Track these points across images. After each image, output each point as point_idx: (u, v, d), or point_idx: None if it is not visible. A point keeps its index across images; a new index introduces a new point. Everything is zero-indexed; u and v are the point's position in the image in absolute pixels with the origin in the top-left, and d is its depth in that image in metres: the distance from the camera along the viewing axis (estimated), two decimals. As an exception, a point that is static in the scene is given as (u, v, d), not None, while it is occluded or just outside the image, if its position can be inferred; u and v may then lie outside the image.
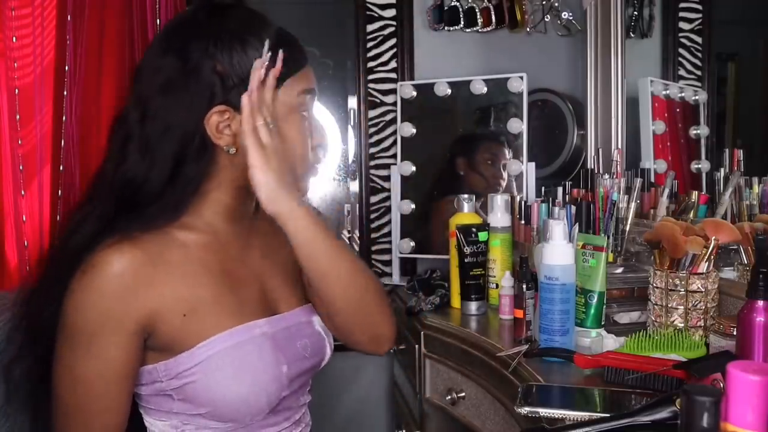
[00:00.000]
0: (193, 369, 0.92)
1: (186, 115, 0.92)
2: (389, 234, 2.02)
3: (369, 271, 1.05)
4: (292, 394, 1.02)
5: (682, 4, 2.01)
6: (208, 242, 0.97)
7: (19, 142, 1.67)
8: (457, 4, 2.02)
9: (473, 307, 1.52)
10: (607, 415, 0.83)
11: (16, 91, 1.66)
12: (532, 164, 1.84)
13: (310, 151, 1.00)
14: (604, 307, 1.23)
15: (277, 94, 0.94)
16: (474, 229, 1.51)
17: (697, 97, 1.93)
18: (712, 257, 1.17)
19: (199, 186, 0.95)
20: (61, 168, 1.67)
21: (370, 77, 2.03)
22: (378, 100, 2.04)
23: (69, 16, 1.66)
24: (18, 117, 1.66)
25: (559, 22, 2.08)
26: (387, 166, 2.04)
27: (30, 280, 1.02)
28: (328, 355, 1.09)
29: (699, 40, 1.99)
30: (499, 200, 1.55)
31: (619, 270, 1.43)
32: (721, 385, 0.87)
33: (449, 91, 1.91)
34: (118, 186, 0.93)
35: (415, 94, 1.92)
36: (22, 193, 1.67)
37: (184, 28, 0.97)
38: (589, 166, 1.88)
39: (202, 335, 0.93)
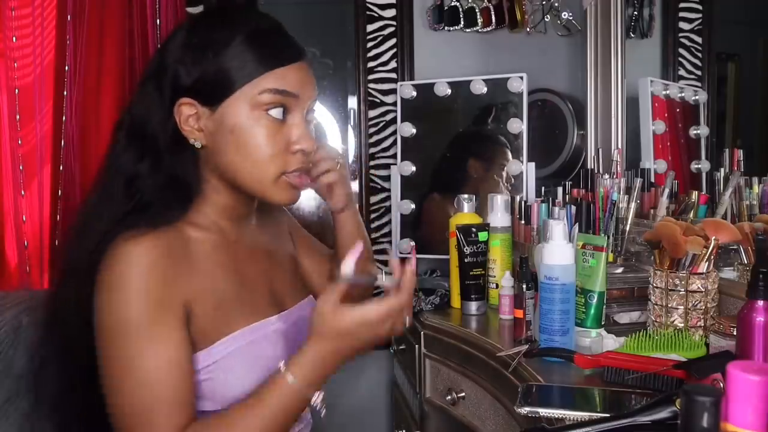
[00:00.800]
0: (211, 367, 0.93)
1: (156, 106, 0.95)
2: (389, 234, 2.02)
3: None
4: None
5: (682, 4, 2.01)
6: (218, 241, 0.99)
7: (19, 142, 1.67)
8: (457, 4, 2.02)
9: (473, 307, 1.52)
10: (607, 415, 0.83)
11: (16, 91, 1.66)
12: (532, 164, 1.84)
13: (282, 154, 0.95)
14: (604, 307, 1.23)
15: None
16: (474, 229, 1.51)
17: (697, 97, 1.93)
18: (712, 257, 1.17)
19: (189, 183, 0.97)
20: (61, 168, 1.67)
21: (370, 77, 2.03)
22: (378, 100, 2.04)
23: (69, 16, 1.66)
24: (18, 117, 1.66)
25: (559, 22, 2.08)
26: (387, 166, 2.04)
27: (52, 288, 1.04)
28: None
29: (699, 40, 1.99)
30: (499, 200, 1.55)
31: (619, 270, 1.43)
32: (721, 385, 0.87)
33: (449, 91, 1.90)
34: (114, 177, 0.96)
35: (415, 94, 1.92)
36: (22, 193, 1.67)
37: (177, 27, 1.01)
38: (589, 166, 1.88)
39: (223, 331, 0.94)
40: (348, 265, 0.88)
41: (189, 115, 0.94)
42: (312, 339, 0.89)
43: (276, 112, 0.94)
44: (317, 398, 0.93)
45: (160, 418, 0.87)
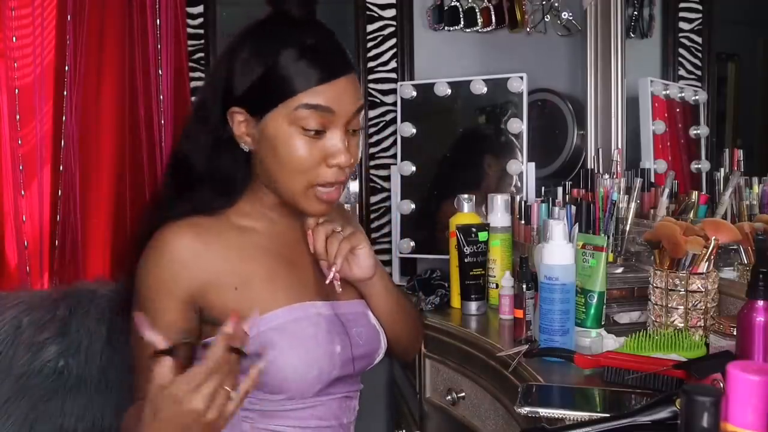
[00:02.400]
0: (252, 340, 0.96)
1: (212, 111, 1.03)
2: (389, 234, 2.02)
3: (414, 307, 1.30)
4: (346, 379, 1.08)
5: (682, 4, 2.01)
6: (265, 228, 1.07)
7: (19, 142, 1.66)
8: (457, 4, 2.02)
9: (473, 307, 1.52)
10: (607, 415, 0.83)
11: (16, 91, 1.66)
12: (532, 164, 1.84)
13: (315, 166, 1.00)
14: (604, 307, 1.23)
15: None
16: (474, 229, 1.51)
17: (697, 97, 1.93)
18: (712, 257, 1.17)
19: (237, 179, 1.04)
20: (61, 168, 1.67)
21: (370, 77, 2.03)
22: (378, 100, 2.04)
23: (69, 16, 1.66)
24: (18, 117, 1.66)
25: (559, 22, 2.08)
26: (387, 166, 2.04)
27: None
28: (382, 350, 1.15)
29: (699, 40, 1.99)
30: (499, 200, 1.55)
31: (619, 270, 1.43)
32: (721, 385, 0.87)
33: (449, 91, 1.90)
34: (174, 174, 1.07)
35: (415, 94, 1.92)
36: (22, 193, 1.67)
37: (238, 34, 1.06)
38: (589, 166, 1.88)
39: (262, 308, 1.00)
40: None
41: (240, 121, 1.02)
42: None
43: (314, 126, 0.98)
44: None
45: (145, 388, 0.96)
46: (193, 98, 1.80)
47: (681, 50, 2.00)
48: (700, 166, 1.90)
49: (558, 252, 1.15)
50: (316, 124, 0.98)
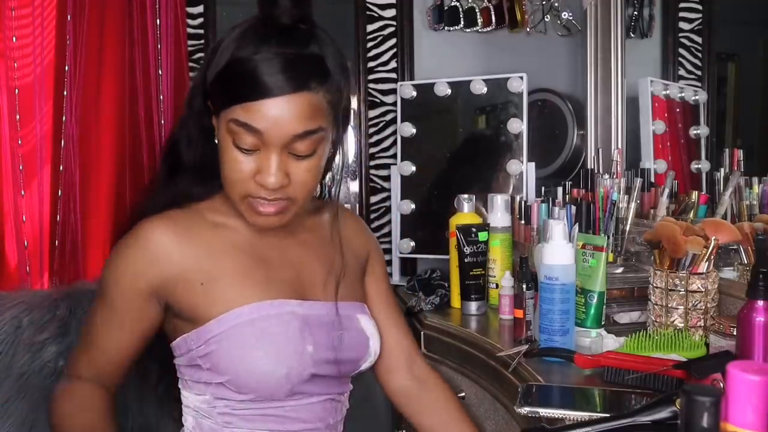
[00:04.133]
0: (219, 336, 0.97)
1: (197, 97, 1.01)
2: (389, 234, 2.02)
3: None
4: (328, 380, 1.04)
5: (682, 4, 2.01)
6: (239, 225, 1.04)
7: (19, 142, 1.66)
8: (457, 4, 2.02)
9: (473, 307, 1.52)
10: (607, 415, 0.83)
11: (16, 91, 1.66)
12: (532, 164, 1.84)
13: (247, 179, 0.95)
14: (604, 307, 1.23)
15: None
16: (474, 229, 1.51)
17: (697, 97, 1.93)
18: (712, 257, 1.17)
19: (212, 171, 1.01)
20: (61, 168, 1.67)
21: (370, 77, 2.03)
22: (378, 100, 2.04)
23: (69, 16, 1.66)
24: (18, 117, 1.66)
25: (559, 22, 2.08)
26: (387, 166, 2.04)
27: None
28: (370, 357, 1.10)
29: (699, 40, 2.00)
30: (499, 200, 1.55)
31: (619, 270, 1.43)
32: (721, 385, 0.87)
33: (449, 91, 1.90)
34: (166, 152, 1.08)
35: (415, 94, 1.92)
36: (22, 193, 1.67)
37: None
38: (589, 166, 1.88)
39: (226, 305, 0.98)
40: None
41: (212, 112, 1.00)
42: None
43: (245, 144, 0.93)
44: None
45: (94, 360, 1.03)
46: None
47: (681, 50, 2.00)
48: (700, 166, 1.90)
49: (558, 252, 1.15)
50: (246, 143, 0.93)
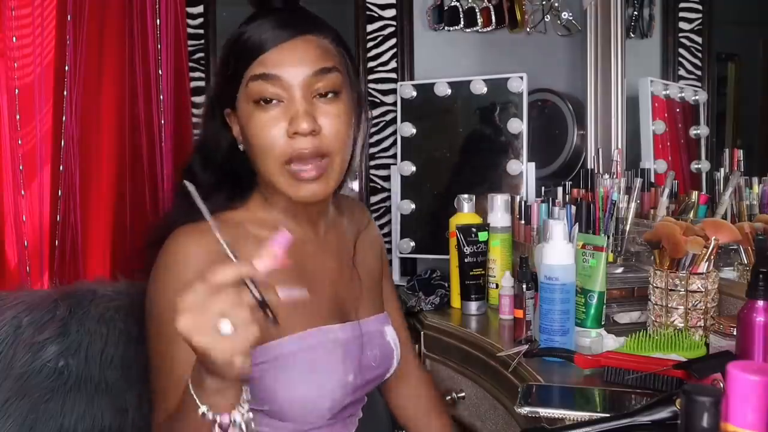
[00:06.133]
0: (263, 366, 0.93)
1: (209, 117, 1.01)
2: (389, 234, 2.02)
3: None
4: (355, 402, 1.04)
5: (682, 4, 2.01)
6: None
7: (19, 142, 1.66)
8: (457, 4, 2.02)
9: (473, 307, 1.52)
10: (607, 415, 0.83)
11: (16, 91, 1.66)
12: (532, 164, 1.84)
13: (281, 139, 0.93)
14: (604, 307, 1.23)
15: None
16: (474, 229, 1.51)
17: (697, 97, 1.93)
18: (712, 257, 1.17)
19: (245, 179, 1.00)
20: (61, 168, 1.67)
21: (370, 77, 2.03)
22: (378, 100, 2.04)
23: (69, 16, 1.66)
24: (18, 117, 1.66)
25: (559, 22, 2.08)
26: (387, 166, 2.04)
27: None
28: (394, 367, 1.11)
29: (699, 40, 1.99)
30: (499, 200, 1.55)
31: (619, 270, 1.43)
32: (721, 385, 0.87)
33: (449, 91, 1.90)
34: (183, 176, 1.00)
35: (415, 94, 1.92)
36: (22, 193, 1.67)
37: None
38: (589, 166, 1.88)
39: (274, 333, 0.92)
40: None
41: (231, 123, 0.99)
42: None
43: (266, 95, 0.93)
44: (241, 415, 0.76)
45: (167, 405, 0.88)
46: (193, 98, 1.81)
47: (681, 50, 2.00)
48: (700, 166, 1.90)
49: (558, 252, 1.15)
50: (268, 93, 0.93)
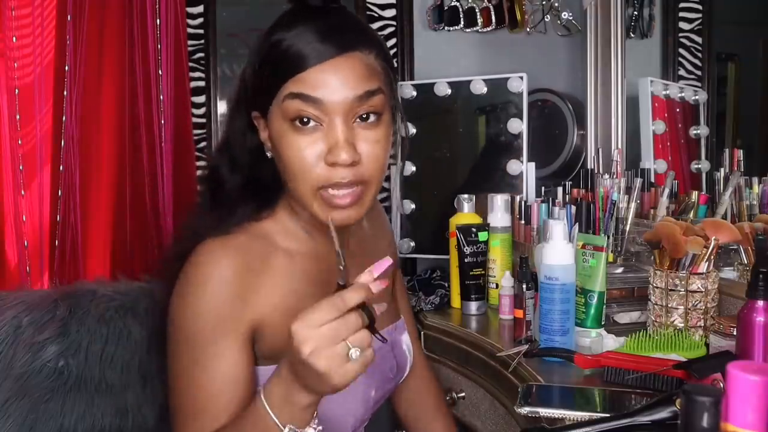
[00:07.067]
0: None
1: (238, 120, 0.96)
2: (389, 234, 2.02)
3: None
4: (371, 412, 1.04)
5: (682, 4, 2.01)
6: (310, 251, 0.96)
7: (19, 142, 1.66)
8: (457, 4, 2.02)
9: (473, 307, 1.52)
10: (607, 415, 0.83)
11: (16, 91, 1.66)
12: (532, 164, 1.84)
13: (316, 166, 0.87)
14: (604, 307, 1.23)
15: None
16: (474, 229, 1.51)
17: (697, 97, 1.93)
18: (712, 257, 1.17)
19: (269, 189, 0.95)
20: (61, 168, 1.67)
21: (370, 77, 2.03)
22: (378, 100, 2.04)
23: (69, 16, 1.66)
24: (18, 117, 1.66)
25: (559, 22, 2.08)
26: (387, 166, 2.04)
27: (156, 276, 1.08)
28: (406, 372, 1.11)
29: (699, 40, 2.00)
30: (499, 200, 1.55)
31: (619, 270, 1.43)
32: (721, 385, 0.87)
33: (449, 91, 1.90)
34: (208, 183, 0.98)
35: (415, 94, 1.92)
36: (22, 193, 1.67)
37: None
38: (589, 166, 1.88)
39: None
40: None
41: (261, 126, 0.94)
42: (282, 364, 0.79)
43: (305, 117, 0.86)
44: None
45: (200, 425, 0.88)
46: (193, 98, 1.81)
47: (681, 50, 2.00)
48: (700, 166, 1.90)
49: (558, 252, 1.15)
50: (307, 115, 0.86)
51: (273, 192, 0.96)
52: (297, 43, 0.87)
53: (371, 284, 0.73)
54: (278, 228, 0.95)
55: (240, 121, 0.95)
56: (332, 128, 0.86)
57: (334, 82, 0.86)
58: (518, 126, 1.82)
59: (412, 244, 1.90)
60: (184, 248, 0.92)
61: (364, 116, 0.88)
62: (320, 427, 0.80)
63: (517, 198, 1.72)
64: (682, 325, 1.17)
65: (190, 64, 1.81)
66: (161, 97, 1.73)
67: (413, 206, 1.92)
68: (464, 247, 1.51)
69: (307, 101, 0.86)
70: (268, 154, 0.94)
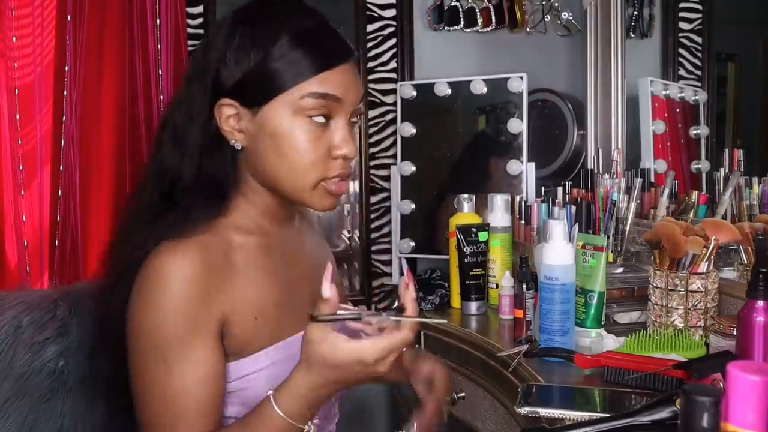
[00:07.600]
0: (256, 374, 0.92)
1: (197, 105, 0.92)
2: (389, 234, 2.02)
3: None
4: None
5: (682, 4, 2.01)
6: (263, 244, 0.96)
7: (19, 142, 1.66)
8: (457, 4, 2.02)
9: (473, 307, 1.52)
10: (607, 415, 0.83)
11: (16, 91, 1.66)
12: (532, 164, 1.84)
13: (323, 160, 0.91)
14: (604, 307, 1.23)
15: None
16: (474, 229, 1.51)
17: (697, 97, 1.93)
18: (712, 257, 1.17)
19: (227, 183, 0.94)
20: (61, 168, 1.67)
21: (370, 77, 2.03)
22: (378, 100, 2.04)
23: (69, 16, 1.66)
24: (18, 117, 1.66)
25: (559, 22, 2.08)
26: (387, 166, 2.04)
27: (99, 281, 1.03)
28: None
29: (699, 40, 2.00)
30: (499, 200, 1.55)
31: (619, 270, 1.43)
32: (721, 385, 0.87)
33: (449, 91, 1.90)
34: (156, 178, 0.94)
35: (415, 94, 1.92)
36: (22, 193, 1.67)
37: (221, 23, 0.96)
38: (589, 166, 1.88)
39: (267, 340, 0.92)
40: (325, 289, 0.82)
41: (229, 115, 0.91)
42: (302, 369, 0.81)
43: (319, 117, 0.90)
44: (310, 427, 0.85)
45: (193, 428, 0.87)
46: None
47: (681, 50, 2.00)
48: (700, 166, 1.90)
49: (558, 252, 1.15)
50: (323, 113, 0.90)
51: (225, 187, 0.95)
52: (311, 44, 0.89)
53: (329, 290, 0.83)
54: (231, 224, 0.95)
55: (198, 109, 0.92)
56: (339, 125, 0.92)
57: (352, 84, 0.92)
58: (518, 126, 1.82)
59: (412, 244, 1.91)
60: (142, 251, 0.89)
61: (355, 117, 0.95)
62: (317, 421, 0.86)
63: (517, 198, 1.73)
64: (682, 325, 1.17)
65: (190, 64, 1.81)
66: (161, 97, 1.73)
67: (413, 206, 1.92)
68: (464, 247, 1.51)
69: (330, 100, 0.90)
70: (237, 146, 0.92)
